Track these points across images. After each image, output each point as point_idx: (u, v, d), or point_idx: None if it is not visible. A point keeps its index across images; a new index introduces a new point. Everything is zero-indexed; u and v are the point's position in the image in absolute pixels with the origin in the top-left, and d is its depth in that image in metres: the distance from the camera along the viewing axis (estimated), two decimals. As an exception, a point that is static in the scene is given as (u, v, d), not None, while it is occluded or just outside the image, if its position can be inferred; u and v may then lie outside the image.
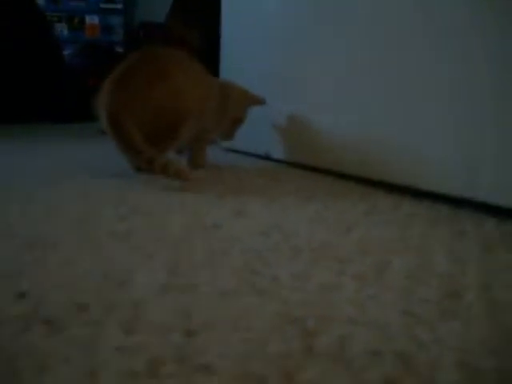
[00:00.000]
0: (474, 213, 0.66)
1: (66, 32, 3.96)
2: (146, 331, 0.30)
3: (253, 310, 0.34)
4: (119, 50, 3.38)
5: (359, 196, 0.75)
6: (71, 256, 0.44)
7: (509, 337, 0.32)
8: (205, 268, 0.42)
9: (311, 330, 0.31)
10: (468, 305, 0.36)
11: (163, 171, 0.73)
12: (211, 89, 0.93)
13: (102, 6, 3.98)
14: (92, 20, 3.98)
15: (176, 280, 0.39)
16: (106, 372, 0.26)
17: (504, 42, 0.62)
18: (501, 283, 0.41)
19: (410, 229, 0.57)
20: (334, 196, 0.75)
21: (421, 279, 0.41)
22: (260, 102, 1.04)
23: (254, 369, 0.27)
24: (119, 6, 3.98)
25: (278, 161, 1.07)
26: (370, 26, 0.80)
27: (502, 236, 0.56)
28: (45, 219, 0.56)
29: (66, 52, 2.24)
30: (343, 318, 0.33)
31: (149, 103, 0.79)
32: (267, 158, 1.10)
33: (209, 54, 1.52)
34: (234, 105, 1.00)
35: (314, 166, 0.96)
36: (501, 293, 0.39)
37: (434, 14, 0.70)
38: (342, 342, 0.30)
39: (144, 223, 0.56)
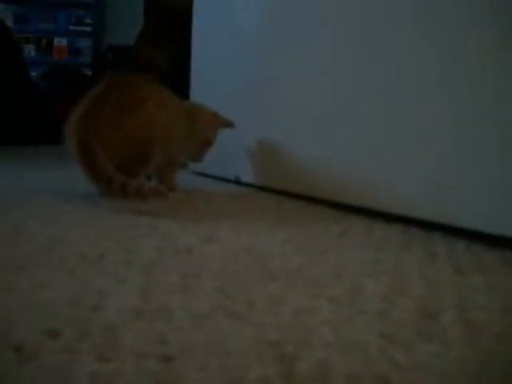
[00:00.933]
0: (445, 236, 0.66)
1: (33, 53, 3.93)
2: (121, 357, 0.30)
3: (229, 335, 0.33)
4: (87, 72, 3.36)
5: (331, 219, 0.75)
6: (41, 280, 0.43)
7: (485, 358, 0.32)
8: (178, 292, 0.41)
9: (289, 354, 0.31)
10: (444, 326, 0.36)
11: (138, 193, 0.71)
12: (180, 114, 0.93)
13: (71, 28, 3.97)
14: (60, 42, 3.97)
15: (149, 305, 0.38)
16: (81, 400, 0.25)
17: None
18: (475, 304, 0.41)
19: (384, 251, 0.58)
20: (307, 219, 0.75)
21: (396, 301, 0.41)
22: (229, 124, 1.04)
23: (233, 395, 0.26)
24: (88, 29, 3.98)
25: (248, 185, 1.07)
26: (348, 47, 0.82)
27: (474, 258, 0.56)
28: (13, 242, 0.55)
29: (33, 73, 2.22)
30: (321, 341, 0.33)
31: (119, 133, 0.78)
32: (237, 182, 1.10)
33: (178, 78, 1.52)
34: (203, 127, 1.00)
35: (285, 191, 0.96)
36: (475, 314, 0.39)
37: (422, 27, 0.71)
38: (321, 365, 0.30)
39: (115, 247, 0.55)
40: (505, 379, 0.30)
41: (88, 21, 3.97)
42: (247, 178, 1.07)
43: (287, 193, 0.96)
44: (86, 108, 0.79)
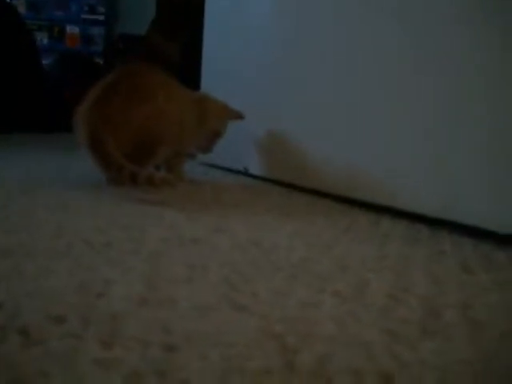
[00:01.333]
0: (451, 233, 0.66)
1: (45, 41, 3.94)
2: (125, 345, 0.30)
3: (232, 326, 0.34)
4: (99, 60, 3.37)
5: (338, 214, 0.76)
6: (48, 267, 0.43)
7: (489, 356, 0.32)
8: (183, 282, 0.42)
9: (292, 346, 0.31)
10: (448, 324, 0.36)
11: (149, 182, 0.72)
12: (190, 106, 0.93)
13: (84, 16, 3.98)
14: (73, 30, 3.98)
15: (154, 294, 0.39)
16: (84, 386, 0.26)
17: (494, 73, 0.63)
18: (480, 303, 0.41)
19: (389, 247, 0.58)
20: (313, 213, 0.75)
21: (400, 298, 0.41)
22: (239, 116, 1.03)
23: (235, 385, 0.27)
24: (101, 18, 3.98)
25: (256, 177, 1.07)
26: (360, 50, 0.82)
27: (480, 257, 0.56)
28: (22, 228, 0.55)
29: (44, 61, 2.23)
30: (324, 335, 0.33)
31: (129, 123, 0.79)
32: (246, 173, 1.10)
33: (188, 68, 1.52)
34: (213, 118, 1.00)
35: (294, 184, 0.96)
36: (480, 313, 0.39)
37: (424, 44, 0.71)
38: (323, 359, 0.30)
39: (122, 236, 0.55)
40: (507, 378, 0.30)
41: (101, 9, 3.97)
42: (256, 169, 1.07)
43: (295, 186, 0.96)
44: (96, 97, 0.79)
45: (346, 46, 0.83)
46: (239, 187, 0.96)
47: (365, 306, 0.39)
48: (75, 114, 0.81)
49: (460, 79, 0.66)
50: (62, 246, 0.49)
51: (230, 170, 1.16)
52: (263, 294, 0.40)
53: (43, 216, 0.61)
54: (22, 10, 3.83)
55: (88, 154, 0.77)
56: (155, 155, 0.84)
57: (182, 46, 1.90)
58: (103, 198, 0.75)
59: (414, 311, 0.39)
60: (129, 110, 0.79)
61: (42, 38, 3.93)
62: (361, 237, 0.62)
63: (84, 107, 0.80)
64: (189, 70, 1.40)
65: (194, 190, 0.89)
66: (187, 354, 0.29)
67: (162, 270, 0.44)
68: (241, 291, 0.40)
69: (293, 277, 0.45)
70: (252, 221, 0.67)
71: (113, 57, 3.03)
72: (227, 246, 0.54)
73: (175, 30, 1.96)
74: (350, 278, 0.46)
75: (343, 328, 0.35)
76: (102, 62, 3.33)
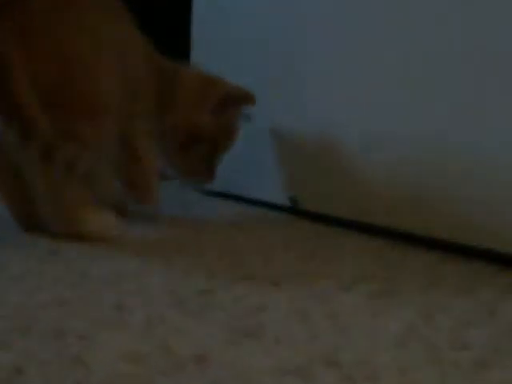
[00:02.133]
0: None
1: None
2: None
3: None
4: None
5: (485, 287, 0.67)
6: None
7: None
8: None
9: None
10: None
11: (69, 168, 0.72)
12: (150, 67, 0.89)
13: None
14: None
15: None
16: None
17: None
18: None
19: None
20: (434, 285, 0.67)
21: None
22: (243, 98, 0.96)
23: None
24: None
25: (308, 214, 0.99)
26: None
27: None
28: None
29: None
30: None
31: (58, 44, 0.74)
32: (293, 208, 1.03)
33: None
34: (185, 107, 0.95)
35: (375, 225, 0.92)
36: None
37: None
38: None
39: (46, 347, 0.45)
40: None
41: None
42: (310, 202, 0.98)
43: (379, 229, 0.90)
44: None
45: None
46: (280, 234, 0.91)
47: None
48: None
49: None
50: None
51: (260, 204, 1.07)
52: None
53: None
54: None
55: None
56: (99, 123, 0.79)
57: None
58: (9, 255, 0.70)
59: None
60: (60, 21, 0.75)
61: None
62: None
63: None
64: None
65: (189, 244, 0.82)
66: None
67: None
68: None
69: None
70: (314, 309, 0.58)
71: None
72: (266, 369, 0.43)
73: None
74: None
75: None
76: None
